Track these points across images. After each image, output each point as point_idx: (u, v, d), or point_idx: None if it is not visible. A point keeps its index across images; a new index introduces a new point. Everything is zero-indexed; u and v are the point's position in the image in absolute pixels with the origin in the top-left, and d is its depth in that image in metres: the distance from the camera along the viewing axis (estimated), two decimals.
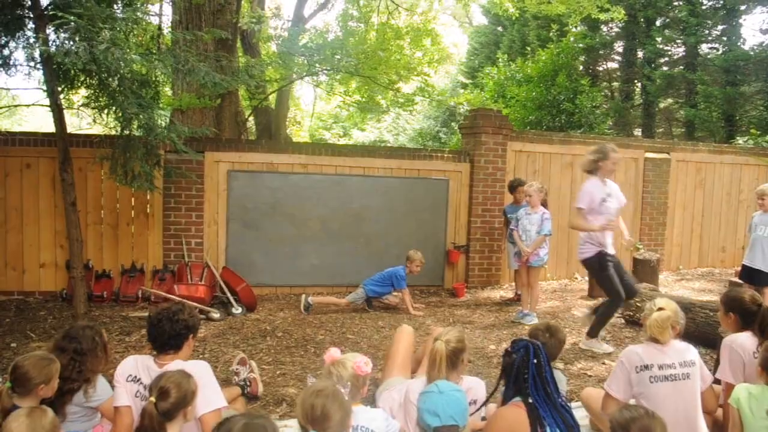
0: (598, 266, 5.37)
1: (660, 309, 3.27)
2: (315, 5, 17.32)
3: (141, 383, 2.91)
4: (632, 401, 3.23)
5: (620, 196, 5.53)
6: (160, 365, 2.94)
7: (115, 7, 6.02)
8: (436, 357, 3.11)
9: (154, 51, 6.66)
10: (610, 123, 16.03)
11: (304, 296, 6.93)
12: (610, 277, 5.31)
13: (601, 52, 17.10)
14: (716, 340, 4.22)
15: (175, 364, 2.93)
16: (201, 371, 2.86)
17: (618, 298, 5.36)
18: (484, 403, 3.23)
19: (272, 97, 14.27)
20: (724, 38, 14.70)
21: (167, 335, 2.96)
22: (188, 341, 3.04)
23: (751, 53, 13.87)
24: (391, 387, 3.58)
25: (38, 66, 5.97)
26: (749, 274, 6.16)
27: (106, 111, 6.15)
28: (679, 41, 15.54)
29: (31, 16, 5.71)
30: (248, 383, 4.20)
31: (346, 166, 7.87)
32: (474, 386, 3.31)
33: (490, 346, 5.62)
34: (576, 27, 15.73)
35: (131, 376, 2.95)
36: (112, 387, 3.10)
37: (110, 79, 5.85)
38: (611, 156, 5.35)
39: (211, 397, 2.83)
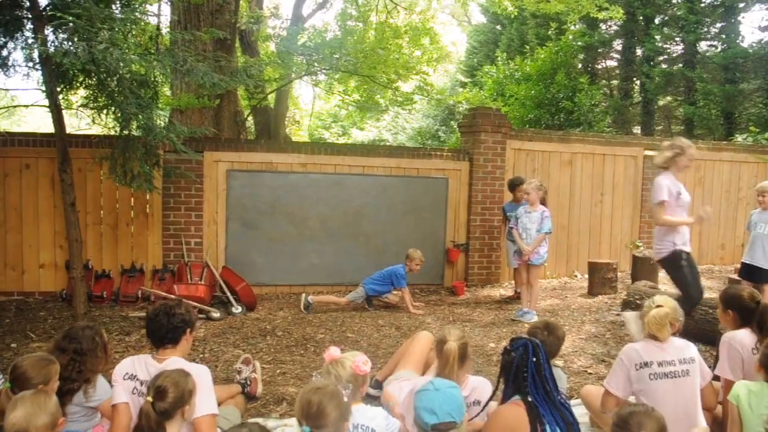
0: (673, 265, 5.26)
1: (658, 306, 3.28)
2: (313, 4, 17.32)
3: (137, 380, 2.93)
4: (632, 398, 3.24)
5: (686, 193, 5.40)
6: (160, 360, 2.97)
7: (113, 7, 6.02)
8: (450, 357, 3.12)
9: (153, 51, 6.66)
10: (609, 121, 16.04)
11: (303, 295, 6.93)
12: (685, 276, 5.20)
13: (599, 50, 17.11)
14: (715, 337, 4.23)
15: (174, 360, 2.95)
16: (200, 375, 2.87)
17: (696, 295, 5.24)
18: (487, 403, 3.23)
19: (271, 97, 14.27)
20: (723, 36, 14.71)
21: (165, 329, 3.00)
22: (186, 335, 3.06)
23: (750, 51, 13.88)
24: (400, 378, 3.59)
25: (37, 66, 5.97)
26: (749, 272, 6.16)
27: (105, 111, 6.16)
28: (677, 39, 15.56)
29: (30, 16, 5.71)
30: (248, 383, 4.20)
31: (345, 165, 7.87)
32: (479, 386, 3.30)
33: (490, 344, 5.62)
34: (575, 25, 15.73)
35: (128, 374, 2.96)
36: (112, 387, 3.11)
37: (109, 80, 5.86)
38: (688, 152, 5.20)
39: (206, 402, 2.83)
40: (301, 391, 2.53)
